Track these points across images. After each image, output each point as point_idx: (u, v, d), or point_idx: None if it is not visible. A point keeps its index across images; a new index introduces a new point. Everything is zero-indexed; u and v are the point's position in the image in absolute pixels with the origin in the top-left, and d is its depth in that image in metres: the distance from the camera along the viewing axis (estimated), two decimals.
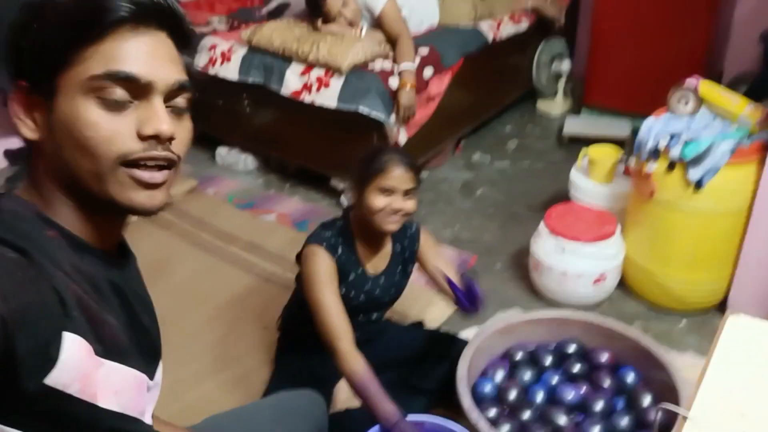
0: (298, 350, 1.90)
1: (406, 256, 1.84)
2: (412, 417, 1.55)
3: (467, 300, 1.76)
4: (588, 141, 3.43)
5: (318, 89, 2.87)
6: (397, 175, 1.59)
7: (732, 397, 0.95)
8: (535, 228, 2.44)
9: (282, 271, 2.59)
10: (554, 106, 4.07)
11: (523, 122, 4.01)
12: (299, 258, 1.73)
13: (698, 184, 2.08)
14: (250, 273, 2.62)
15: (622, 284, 2.45)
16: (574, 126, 3.66)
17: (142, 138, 0.75)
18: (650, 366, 1.79)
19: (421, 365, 1.90)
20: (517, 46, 3.75)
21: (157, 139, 0.76)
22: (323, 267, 1.64)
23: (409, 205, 1.63)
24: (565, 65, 3.99)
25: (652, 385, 1.77)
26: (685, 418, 0.91)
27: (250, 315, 2.36)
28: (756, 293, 2.18)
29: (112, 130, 0.74)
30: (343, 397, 1.90)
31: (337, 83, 2.83)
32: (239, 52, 3.14)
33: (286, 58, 2.98)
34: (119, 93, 0.74)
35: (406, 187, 1.61)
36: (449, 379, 1.74)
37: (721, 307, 2.31)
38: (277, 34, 3.01)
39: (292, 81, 2.95)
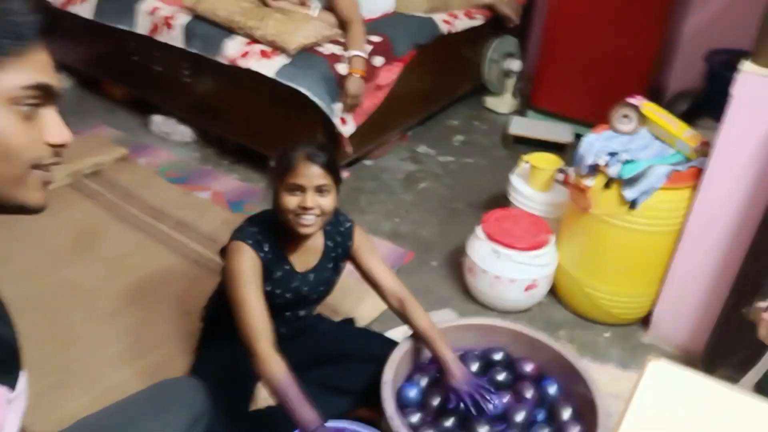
0: (222, 342, 1.83)
1: (339, 252, 1.79)
2: (332, 423, 1.52)
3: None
4: (531, 142, 3.49)
5: (259, 58, 2.76)
6: (307, 173, 1.52)
7: None
8: (473, 226, 2.44)
9: (211, 254, 2.50)
10: (502, 104, 4.08)
11: (471, 118, 4.01)
12: (223, 252, 1.66)
13: (633, 204, 2.12)
14: (177, 253, 2.52)
15: (553, 292, 2.49)
16: (520, 126, 3.68)
17: (51, 146, 0.83)
18: (572, 379, 1.82)
19: (348, 364, 1.87)
20: (469, 41, 3.73)
21: (62, 147, 0.85)
22: (247, 264, 1.57)
23: (324, 202, 1.56)
24: (515, 65, 4.00)
25: (573, 398, 1.80)
26: None
27: (173, 299, 2.27)
28: (679, 311, 2.25)
29: (29, 137, 0.81)
30: (266, 394, 1.85)
31: (280, 59, 2.73)
32: (182, 20, 2.98)
33: (231, 31, 2.85)
34: (33, 102, 0.80)
35: (317, 184, 1.53)
36: (375, 381, 1.72)
37: (645, 321, 2.38)
38: (222, 5, 2.87)
39: (232, 50, 2.83)
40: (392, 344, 1.85)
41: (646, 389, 1.03)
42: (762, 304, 1.27)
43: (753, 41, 1.86)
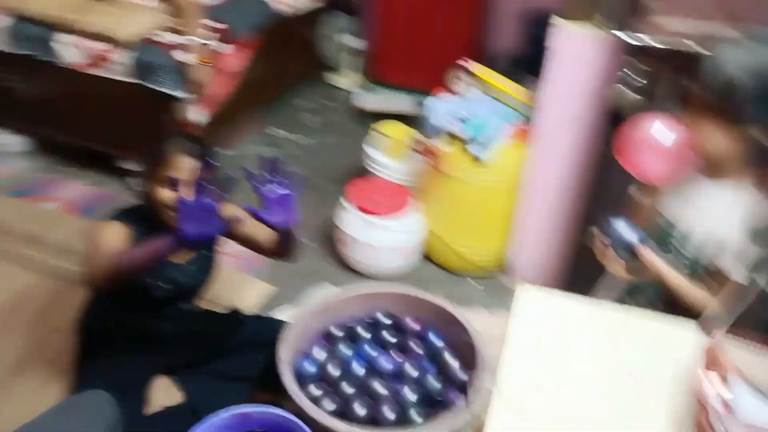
0: (103, 352, 1.76)
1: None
2: (235, 410, 1.53)
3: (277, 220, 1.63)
4: (381, 116, 3.61)
5: (101, 62, 2.61)
6: (180, 165, 1.52)
7: (530, 361, 1.09)
8: (335, 200, 2.51)
9: (69, 265, 2.35)
10: (346, 81, 4.15)
11: (321, 98, 4.05)
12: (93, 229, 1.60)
13: (480, 160, 2.31)
14: (32, 270, 2.34)
15: (425, 254, 2.65)
16: (367, 101, 3.79)
17: None
18: (454, 329, 1.96)
19: (241, 352, 1.87)
20: (311, 21, 3.76)
21: None
22: (115, 238, 1.52)
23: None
24: (352, 40, 4.08)
25: (457, 346, 1.94)
26: (491, 390, 1.03)
27: (36, 318, 2.12)
28: (531, 256, 2.50)
29: None
30: (161, 395, 1.81)
31: (121, 56, 2.60)
32: (4, 21, 2.73)
33: (62, 29, 2.66)
34: None
35: (191, 176, 1.54)
36: (271, 364, 1.75)
37: (508, 268, 2.62)
38: (48, 2, 2.67)
39: (70, 53, 2.64)
40: (282, 325, 1.88)
41: (519, 310, 1.17)
42: (596, 231, 1.46)
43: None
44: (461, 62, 2.42)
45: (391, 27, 3.75)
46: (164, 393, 1.77)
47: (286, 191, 1.54)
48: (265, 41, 3.19)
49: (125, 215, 1.59)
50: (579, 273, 2.27)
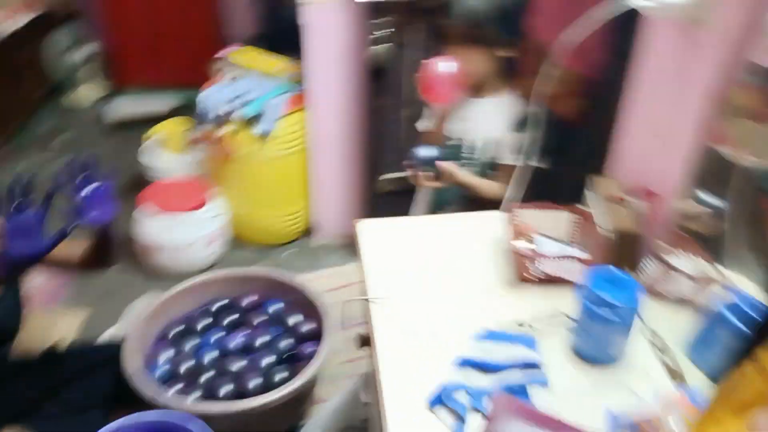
0: None
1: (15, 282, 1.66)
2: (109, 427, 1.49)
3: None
4: (137, 121, 3.48)
5: None
6: None
7: (388, 276, 1.27)
8: (125, 215, 2.44)
9: None
10: (85, 95, 3.88)
11: (63, 118, 3.74)
12: None
13: (264, 136, 2.42)
14: None
15: (235, 237, 2.69)
16: (118, 110, 3.61)
17: None
18: (287, 292, 2.08)
19: (81, 382, 1.78)
20: (29, 41, 3.43)
21: None
22: None
23: None
24: (84, 52, 3.82)
25: (295, 306, 2.06)
26: (368, 300, 1.19)
27: None
28: (330, 214, 2.70)
29: None
30: None
31: None
32: None
33: None
34: None
35: None
36: (119, 382, 1.71)
37: (311, 229, 2.78)
38: None
39: None
40: (112, 344, 1.83)
41: (364, 239, 1.34)
42: (406, 162, 1.72)
43: None
44: (222, 52, 2.48)
45: (127, 29, 3.61)
46: None
47: (102, 184, 1.49)
48: None
49: None
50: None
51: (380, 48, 2.12)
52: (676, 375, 1.03)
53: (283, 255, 2.70)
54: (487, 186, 1.69)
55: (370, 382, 1.35)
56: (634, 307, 1.02)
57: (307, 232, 2.80)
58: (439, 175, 1.62)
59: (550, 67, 1.16)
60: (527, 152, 1.48)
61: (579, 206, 1.32)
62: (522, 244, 1.24)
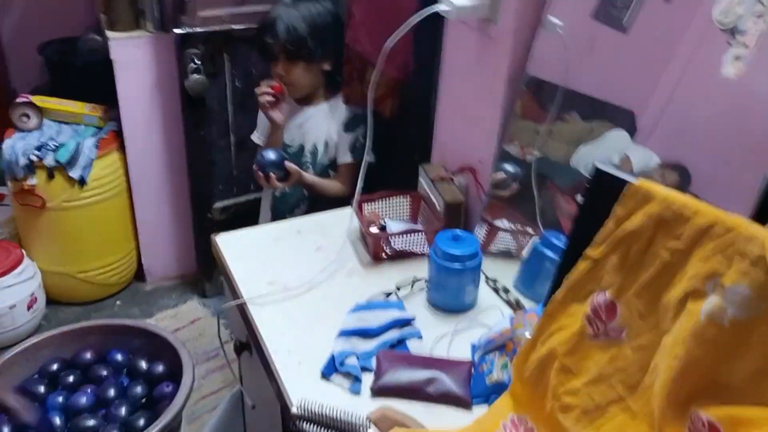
0: None
1: None
2: None
3: None
4: None
5: None
6: None
7: (257, 282, 1.32)
8: None
9: None
10: None
11: None
12: None
13: (81, 181, 2.30)
14: None
15: (52, 298, 2.49)
16: None
17: None
18: (129, 338, 1.98)
19: None
20: None
21: None
22: None
23: None
24: None
25: (141, 351, 1.98)
26: (245, 303, 1.24)
27: None
28: (161, 254, 2.62)
29: None
30: None
31: None
32: None
33: None
34: None
35: None
36: None
37: (139, 275, 2.67)
38: None
39: None
40: None
41: (227, 251, 1.39)
42: (254, 167, 1.79)
43: (105, 15, 2.24)
44: (20, 99, 2.33)
45: None
46: None
47: None
48: None
49: None
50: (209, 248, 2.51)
51: (197, 78, 2.16)
52: (516, 306, 1.23)
53: (115, 306, 2.56)
54: (330, 184, 1.85)
55: (250, 388, 1.39)
56: (478, 257, 1.21)
57: (138, 277, 2.69)
58: (286, 176, 1.74)
59: (373, 73, 1.32)
60: (360, 150, 1.64)
61: (415, 191, 1.50)
62: (372, 230, 1.39)
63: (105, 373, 1.92)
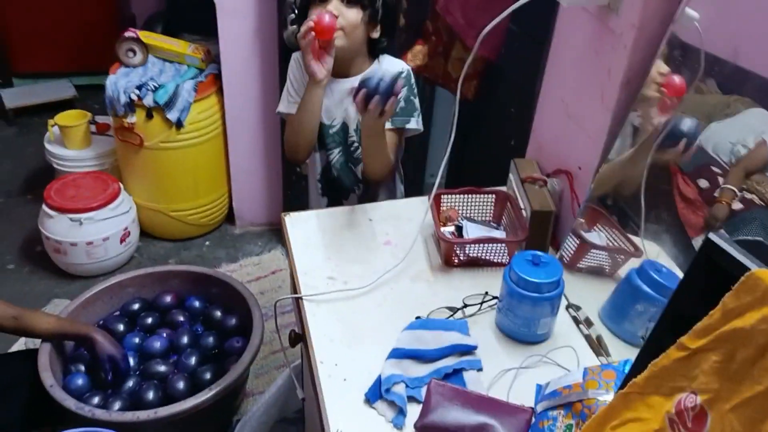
0: None
1: None
2: None
3: None
4: (36, 109, 3.26)
5: None
6: None
7: (317, 271, 1.25)
8: (33, 212, 2.29)
9: None
10: None
11: None
12: None
13: (179, 123, 2.32)
14: None
15: (145, 231, 2.58)
16: (14, 98, 3.37)
17: None
18: (208, 286, 2.02)
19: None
20: None
21: None
22: None
23: None
24: None
25: (218, 300, 2.01)
26: (300, 298, 1.17)
27: None
28: (251, 201, 2.63)
29: None
30: None
31: None
32: None
33: None
34: None
35: None
36: (32, 402, 1.62)
37: (230, 218, 2.70)
38: None
39: None
40: (21, 359, 1.73)
41: (294, 233, 1.32)
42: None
43: None
44: (127, 33, 2.34)
45: (14, 13, 3.33)
46: None
47: None
48: None
49: None
50: (296, 201, 2.48)
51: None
52: (599, 350, 1.08)
53: (204, 246, 2.62)
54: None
55: (305, 378, 1.34)
56: (559, 287, 1.06)
57: (227, 220, 2.73)
58: (383, 110, 1.26)
59: (469, 56, 1.16)
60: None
61: (501, 189, 1.35)
62: (447, 229, 1.26)
63: (181, 319, 1.97)
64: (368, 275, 1.21)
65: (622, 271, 1.14)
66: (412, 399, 0.99)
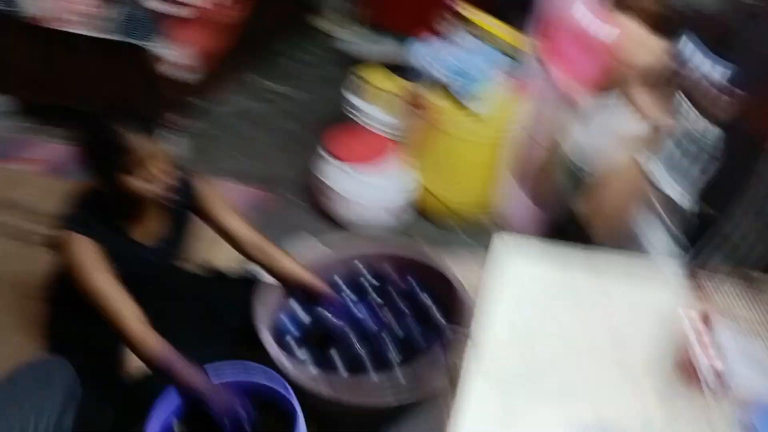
0: (73, 320, 1.68)
1: (183, 211, 1.68)
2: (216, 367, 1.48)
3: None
4: (369, 62, 3.40)
5: (77, 16, 2.48)
6: (138, 146, 1.42)
7: (506, 314, 0.99)
8: (317, 152, 2.40)
9: (37, 228, 2.25)
10: (329, 23, 3.84)
11: (304, 42, 3.74)
12: (58, 244, 1.51)
13: (476, 114, 2.16)
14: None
15: (419, 211, 2.54)
16: (354, 46, 3.55)
17: None
18: (440, 282, 1.85)
19: (221, 310, 1.80)
20: None
21: None
22: (87, 255, 1.46)
23: (164, 167, 1.47)
24: None
25: (443, 298, 1.83)
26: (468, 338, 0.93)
27: (5, 285, 2.06)
28: (523, 210, 2.38)
29: None
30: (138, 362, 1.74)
31: (99, 10, 2.46)
32: None
33: None
34: None
35: (150, 151, 1.45)
36: (246, 319, 1.68)
37: (500, 221, 2.50)
38: None
39: (38, 5, 2.50)
40: (256, 282, 1.79)
41: (497, 258, 1.07)
42: None
43: None
44: (447, 2, 2.24)
45: None
46: None
47: None
48: None
49: (83, 226, 1.49)
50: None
51: None
52: None
53: (460, 241, 2.48)
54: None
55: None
56: None
57: (492, 223, 2.53)
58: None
59: None
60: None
61: None
62: (704, 355, 0.86)
63: (404, 307, 1.86)
64: (571, 384, 0.89)
65: None
66: None
